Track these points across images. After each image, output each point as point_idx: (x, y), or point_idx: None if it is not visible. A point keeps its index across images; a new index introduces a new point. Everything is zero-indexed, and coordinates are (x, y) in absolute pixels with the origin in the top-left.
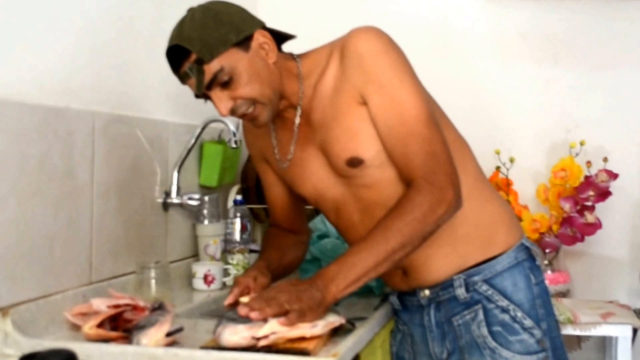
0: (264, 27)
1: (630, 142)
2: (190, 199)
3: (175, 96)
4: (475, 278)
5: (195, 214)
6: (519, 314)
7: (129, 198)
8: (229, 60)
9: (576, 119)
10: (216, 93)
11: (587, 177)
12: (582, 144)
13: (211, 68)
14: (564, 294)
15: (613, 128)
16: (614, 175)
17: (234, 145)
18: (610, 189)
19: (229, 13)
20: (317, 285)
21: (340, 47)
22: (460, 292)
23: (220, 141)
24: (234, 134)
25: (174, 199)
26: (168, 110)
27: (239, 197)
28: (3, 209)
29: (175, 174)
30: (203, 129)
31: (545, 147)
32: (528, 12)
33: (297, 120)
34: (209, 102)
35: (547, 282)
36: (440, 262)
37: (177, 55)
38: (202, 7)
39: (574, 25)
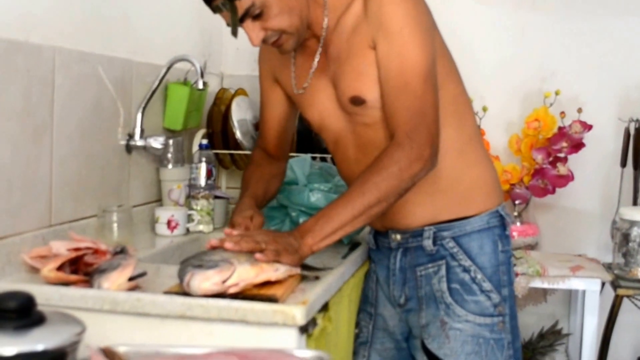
0: None
1: (606, 93)
2: (154, 141)
3: (139, 34)
4: (445, 233)
5: (159, 158)
6: (479, 276)
7: (91, 140)
8: None
9: (552, 68)
10: (248, 24)
11: (560, 128)
12: (557, 93)
13: (243, 4)
14: (532, 247)
15: (589, 78)
16: (588, 127)
17: (200, 87)
18: (584, 141)
19: None
20: (294, 236)
21: None
22: (428, 243)
23: (185, 83)
24: (201, 75)
25: (138, 141)
26: (132, 48)
27: (204, 142)
28: None
29: (139, 116)
30: (168, 69)
31: (520, 96)
32: None
33: (319, 51)
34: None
35: (515, 234)
36: (416, 208)
37: None
38: None
39: None
